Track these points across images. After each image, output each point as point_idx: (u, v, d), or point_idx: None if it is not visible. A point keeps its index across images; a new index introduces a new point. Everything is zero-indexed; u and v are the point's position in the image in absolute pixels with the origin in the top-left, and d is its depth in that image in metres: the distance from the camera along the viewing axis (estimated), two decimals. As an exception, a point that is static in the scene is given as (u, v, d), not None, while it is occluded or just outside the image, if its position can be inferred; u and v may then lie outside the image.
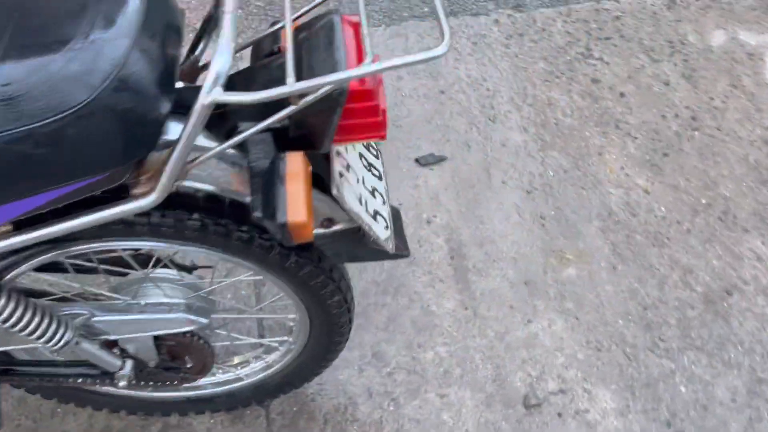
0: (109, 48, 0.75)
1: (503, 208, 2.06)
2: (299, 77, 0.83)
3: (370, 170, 1.08)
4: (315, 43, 0.88)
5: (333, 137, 0.87)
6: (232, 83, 0.89)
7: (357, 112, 0.87)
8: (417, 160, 2.21)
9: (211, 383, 1.55)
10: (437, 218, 2.04)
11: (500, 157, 2.21)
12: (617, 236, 2.00)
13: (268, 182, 0.84)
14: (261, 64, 0.95)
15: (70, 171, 0.79)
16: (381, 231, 1.02)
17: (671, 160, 2.20)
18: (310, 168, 0.87)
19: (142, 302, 1.16)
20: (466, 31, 2.70)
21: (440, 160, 2.21)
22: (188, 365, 1.28)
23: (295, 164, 0.83)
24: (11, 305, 1.01)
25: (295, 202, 0.82)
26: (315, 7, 1.01)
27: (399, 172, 2.17)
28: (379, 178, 1.11)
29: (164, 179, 0.84)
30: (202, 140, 0.91)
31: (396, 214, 1.18)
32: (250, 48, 1.09)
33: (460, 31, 2.70)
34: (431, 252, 1.96)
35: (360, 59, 0.86)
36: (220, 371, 1.55)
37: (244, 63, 1.13)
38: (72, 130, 0.75)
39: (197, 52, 1.06)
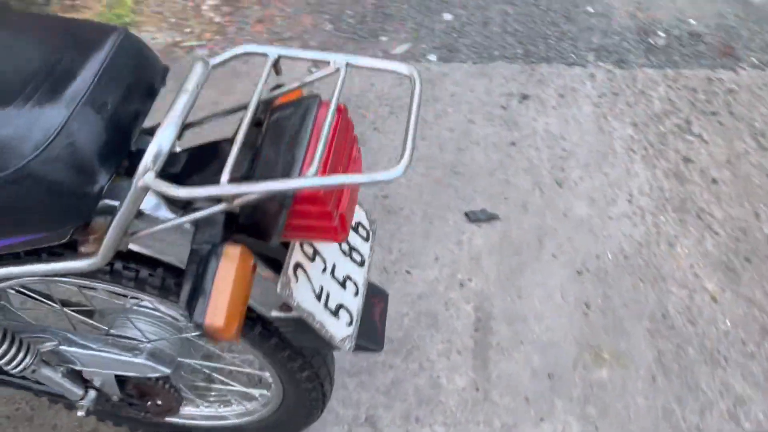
0: (46, 118, 0.71)
1: (546, 285, 1.90)
2: (251, 168, 0.76)
3: (349, 255, 0.99)
4: (282, 130, 0.81)
5: (281, 234, 0.80)
6: (193, 158, 0.84)
7: (308, 215, 0.79)
8: (467, 214, 2.08)
9: (196, 414, 1.52)
10: (472, 282, 1.91)
11: (558, 228, 2.04)
12: (666, 344, 1.78)
13: (200, 273, 0.78)
14: (224, 143, 0.89)
15: (3, 228, 0.76)
16: (338, 328, 0.93)
17: (753, 267, 1.94)
18: (251, 262, 0.79)
19: (109, 340, 1.14)
20: (555, 81, 2.52)
21: (491, 218, 2.07)
22: (152, 404, 1.25)
23: (229, 261, 0.76)
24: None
25: (217, 304, 0.75)
26: (296, 88, 0.93)
27: (444, 223, 2.05)
28: (360, 264, 1.02)
29: (104, 248, 0.80)
30: (161, 210, 0.86)
31: (380, 299, 1.08)
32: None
33: (549, 80, 2.54)
34: (456, 318, 1.84)
35: (327, 161, 0.77)
36: (204, 404, 1.52)
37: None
38: (2, 193, 0.72)
39: None
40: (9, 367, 1.08)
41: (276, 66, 0.86)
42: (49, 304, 1.17)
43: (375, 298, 1.09)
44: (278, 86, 0.96)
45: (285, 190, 0.69)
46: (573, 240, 2.00)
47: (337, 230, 0.79)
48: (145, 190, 0.72)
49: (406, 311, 1.86)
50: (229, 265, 0.76)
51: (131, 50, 0.82)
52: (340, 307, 0.94)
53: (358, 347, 0.98)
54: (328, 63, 0.84)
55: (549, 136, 2.32)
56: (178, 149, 0.90)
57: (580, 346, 1.78)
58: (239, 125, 0.78)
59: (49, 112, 0.71)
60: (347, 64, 0.83)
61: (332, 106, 0.77)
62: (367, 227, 1.07)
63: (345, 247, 1.00)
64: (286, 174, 0.74)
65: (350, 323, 0.96)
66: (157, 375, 1.16)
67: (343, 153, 0.82)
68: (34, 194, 0.72)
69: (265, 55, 0.85)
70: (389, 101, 2.49)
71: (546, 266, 1.94)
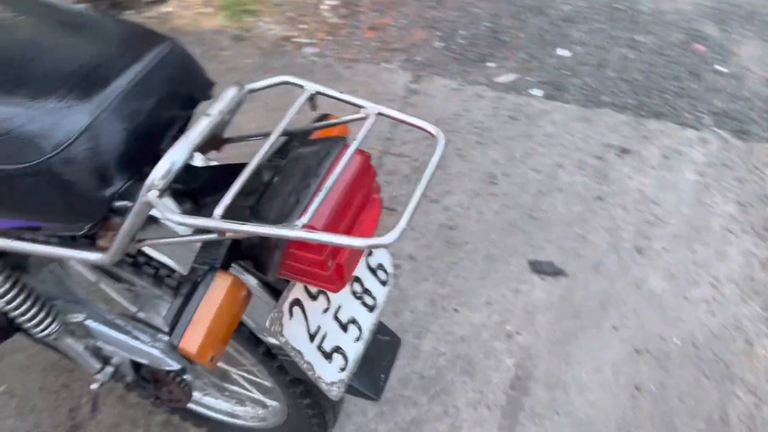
0: (70, 119, 0.73)
1: (599, 358, 1.77)
2: (258, 201, 0.75)
3: (361, 298, 0.96)
4: (298, 168, 0.79)
5: (276, 271, 0.78)
6: (216, 174, 0.84)
7: (301, 260, 0.76)
8: (532, 263, 1.98)
9: (214, 405, 1.55)
10: (520, 336, 1.82)
11: (626, 298, 1.89)
12: (719, 453, 1.60)
13: (189, 294, 0.78)
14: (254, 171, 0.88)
15: (20, 212, 0.80)
16: (328, 372, 0.90)
17: (842, 391, 1.71)
18: (242, 293, 0.78)
19: (133, 324, 1.17)
20: (662, 140, 2.35)
21: (557, 273, 1.96)
22: (162, 393, 1.28)
23: (218, 289, 0.75)
24: (8, 284, 1.08)
25: (195, 330, 0.75)
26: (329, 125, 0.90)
27: (506, 267, 1.97)
28: (370, 308, 0.98)
29: (113, 248, 0.82)
30: (180, 216, 0.87)
31: (390, 347, 1.04)
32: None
33: (655, 137, 2.37)
34: (494, 370, 1.76)
35: (331, 211, 0.74)
36: (222, 399, 1.54)
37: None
38: (20, 183, 0.75)
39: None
40: (35, 330, 1.13)
41: (312, 101, 0.84)
42: (86, 277, 1.22)
43: (385, 343, 1.05)
44: (323, 116, 0.94)
45: (277, 235, 0.67)
46: (640, 315, 1.85)
47: (332, 279, 0.76)
48: (149, 205, 0.73)
49: (444, 351, 1.80)
50: (217, 294, 0.75)
51: (174, 62, 0.83)
52: (336, 350, 0.92)
53: (354, 391, 0.94)
54: (359, 109, 0.81)
55: (641, 198, 2.16)
56: (199, 163, 0.91)
57: (619, 431, 1.65)
58: (256, 154, 0.76)
59: (74, 114, 0.73)
60: (378, 113, 0.80)
61: (350, 151, 0.74)
62: (389, 271, 1.03)
63: (358, 288, 0.97)
64: (283, 217, 0.72)
65: (344, 368, 0.93)
66: (168, 368, 1.18)
67: (354, 202, 0.79)
68: (48, 189, 0.75)
69: (302, 87, 0.84)
70: (479, 130, 2.42)
71: (603, 337, 1.81)
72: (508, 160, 2.31)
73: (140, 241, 0.81)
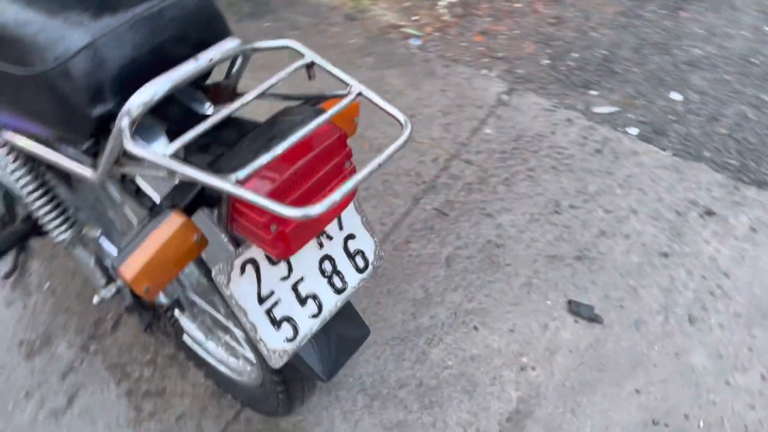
0: (73, 36, 0.77)
1: (610, 417, 1.65)
2: (223, 154, 0.77)
3: (330, 277, 0.95)
4: (273, 130, 0.79)
5: (226, 226, 0.78)
6: (216, 128, 0.86)
7: (247, 218, 0.76)
8: (570, 302, 1.88)
9: (212, 349, 1.60)
10: (534, 372, 1.74)
11: (659, 365, 1.75)
12: None
13: (145, 225, 0.80)
14: (249, 124, 0.89)
15: (25, 114, 0.86)
16: (272, 339, 0.90)
17: None
18: (193, 237, 0.79)
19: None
20: (755, 211, 2.14)
21: (593, 319, 1.85)
22: (153, 323, 1.34)
23: (167, 226, 0.77)
24: (40, 187, 1.17)
25: (136, 259, 0.77)
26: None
27: (541, 299, 1.88)
28: (337, 291, 0.97)
29: (99, 168, 0.87)
30: (135, 147, 0.88)
31: (356, 336, 1.03)
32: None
33: (748, 206, 2.16)
34: (495, 398, 1.69)
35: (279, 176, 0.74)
36: (222, 346, 1.59)
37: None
38: (25, 87, 0.81)
39: (230, 78, 1.01)
40: (54, 233, 1.22)
41: (309, 70, 0.84)
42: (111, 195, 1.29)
43: (352, 331, 1.04)
44: (340, 95, 0.92)
45: (205, 184, 0.68)
46: (669, 386, 1.71)
47: (274, 244, 0.76)
48: (122, 130, 0.76)
49: (451, 365, 1.75)
50: (165, 230, 0.78)
51: (192, 4, 0.85)
52: (286, 319, 0.91)
53: (304, 366, 0.94)
54: (346, 85, 0.80)
55: (711, 266, 1.98)
56: (209, 111, 0.93)
57: (608, 498, 1.53)
58: (230, 106, 0.77)
59: (78, 32, 0.77)
60: (359, 94, 0.78)
61: (317, 121, 0.74)
62: (370, 260, 1.01)
63: (328, 267, 0.96)
64: (227, 170, 0.72)
65: (291, 340, 0.93)
66: (163, 301, 1.23)
67: (314, 176, 0.78)
68: (45, 98, 0.80)
69: (302, 55, 0.84)
70: (559, 156, 2.32)
71: (622, 397, 1.69)
72: (579, 192, 2.20)
73: (122, 165, 0.85)
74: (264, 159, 0.69)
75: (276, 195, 0.74)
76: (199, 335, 1.41)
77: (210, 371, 1.65)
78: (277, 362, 0.92)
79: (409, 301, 1.90)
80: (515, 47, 2.81)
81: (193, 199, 0.81)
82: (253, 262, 0.87)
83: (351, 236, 0.98)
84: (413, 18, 2.93)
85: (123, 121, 0.74)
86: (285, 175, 0.74)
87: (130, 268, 0.77)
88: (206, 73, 0.97)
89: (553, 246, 2.03)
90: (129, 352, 1.80)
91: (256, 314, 0.89)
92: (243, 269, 0.86)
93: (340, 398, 1.69)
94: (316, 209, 0.64)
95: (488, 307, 1.88)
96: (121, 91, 0.81)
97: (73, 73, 0.77)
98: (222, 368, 1.54)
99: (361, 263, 1.01)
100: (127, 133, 0.73)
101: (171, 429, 1.65)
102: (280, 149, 0.70)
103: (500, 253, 2.02)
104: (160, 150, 0.72)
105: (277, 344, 0.92)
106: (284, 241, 0.77)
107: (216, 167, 0.77)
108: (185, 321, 1.34)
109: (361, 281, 1.01)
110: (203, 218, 0.88)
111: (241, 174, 0.68)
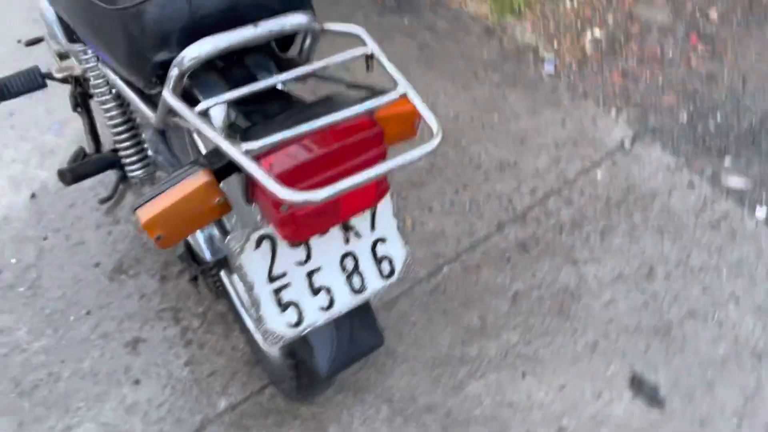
0: None
1: None
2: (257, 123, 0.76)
3: (350, 275, 0.91)
4: (311, 108, 0.76)
5: (246, 194, 0.77)
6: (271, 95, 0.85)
7: (261, 192, 0.74)
8: (634, 377, 1.72)
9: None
10: (571, 437, 1.60)
11: (718, 473, 1.56)
12: None
13: (175, 176, 0.81)
14: (297, 102, 0.87)
15: (106, 47, 0.91)
16: (273, 319, 0.88)
17: None
18: (215, 197, 0.79)
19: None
20: None
21: (654, 402, 1.68)
22: (199, 278, 1.37)
23: (191, 181, 0.77)
24: (125, 116, 1.24)
25: (155, 205, 0.78)
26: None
27: (603, 365, 1.74)
28: (355, 291, 0.93)
29: (158, 114, 0.89)
30: (171, 98, 0.88)
31: (368, 342, 0.99)
32: None
33: None
34: (521, 452, 1.58)
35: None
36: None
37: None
38: (108, 22, 0.86)
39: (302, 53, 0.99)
40: (130, 168, 1.28)
41: (368, 61, 0.81)
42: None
43: (367, 337, 0.99)
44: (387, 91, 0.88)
45: (218, 145, 0.67)
46: (722, 500, 1.51)
47: (283, 224, 0.74)
48: (176, 80, 0.77)
49: (486, 404, 1.66)
50: (188, 184, 0.78)
51: None
52: (291, 304, 0.89)
53: (307, 356, 0.92)
54: (395, 85, 0.77)
55: (812, 383, 1.73)
56: (279, 86, 0.93)
57: None
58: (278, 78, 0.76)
59: None
60: (403, 94, 0.75)
61: (351, 111, 0.70)
62: (397, 269, 0.96)
63: (349, 264, 0.92)
64: (251, 140, 0.71)
65: (295, 326, 0.90)
66: (207, 258, 1.26)
67: (338, 165, 0.74)
68: (120, 35, 0.83)
69: (365, 45, 0.81)
70: (668, 219, 2.13)
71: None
72: (679, 263, 2.00)
73: (174, 115, 0.87)
74: (281, 135, 0.67)
75: (291, 176, 0.72)
76: (240, 301, 1.43)
77: (249, 338, 1.67)
78: (270, 343, 0.91)
79: (463, 327, 1.82)
80: (654, 95, 2.62)
81: (228, 164, 0.81)
82: (270, 239, 0.86)
83: (381, 240, 0.94)
84: (554, 44, 2.81)
85: (173, 71, 0.76)
86: (305, 158, 0.71)
87: (147, 212, 0.79)
88: (286, 44, 0.97)
89: (634, 312, 1.87)
90: (185, 300, 1.87)
91: (263, 291, 0.87)
92: (259, 243, 0.85)
93: (364, 402, 1.65)
94: (316, 195, 0.61)
95: (544, 356, 1.76)
96: (185, 42, 0.83)
97: (146, 15, 0.80)
98: (256, 336, 1.55)
99: (386, 269, 0.96)
100: (170, 83, 0.74)
101: (200, 381, 1.69)
102: (301, 129, 0.68)
103: (573, 305, 1.89)
104: (199, 107, 0.73)
105: (277, 327, 0.90)
106: (294, 224, 0.75)
107: (246, 135, 0.76)
108: (228, 282, 1.37)
109: (383, 287, 0.97)
110: (238, 186, 0.88)
111: (252, 145, 0.66)
